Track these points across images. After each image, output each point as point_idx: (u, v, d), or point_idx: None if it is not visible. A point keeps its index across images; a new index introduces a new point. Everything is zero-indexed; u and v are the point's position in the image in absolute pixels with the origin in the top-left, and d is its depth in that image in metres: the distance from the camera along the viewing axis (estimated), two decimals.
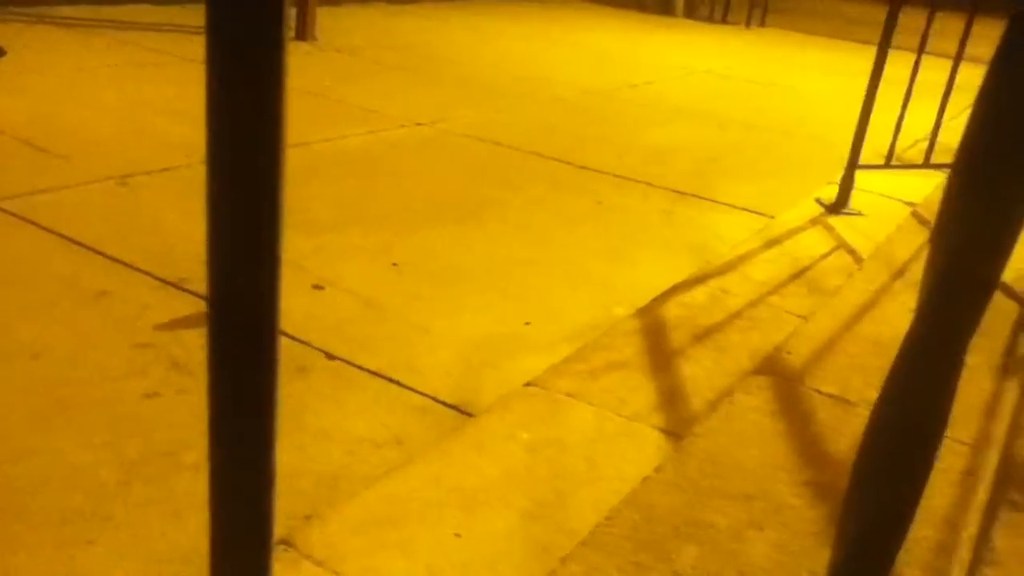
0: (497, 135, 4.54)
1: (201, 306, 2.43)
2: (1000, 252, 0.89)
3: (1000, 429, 2.03)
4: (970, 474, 1.87)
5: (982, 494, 1.78)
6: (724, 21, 11.08)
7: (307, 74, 5.36)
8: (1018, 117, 0.84)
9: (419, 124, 4.62)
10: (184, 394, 2.04)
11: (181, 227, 2.95)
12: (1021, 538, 1.47)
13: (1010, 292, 2.83)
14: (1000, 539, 1.46)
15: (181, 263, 2.67)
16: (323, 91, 4.99)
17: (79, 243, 2.74)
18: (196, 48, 5.71)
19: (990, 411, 2.13)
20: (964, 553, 1.60)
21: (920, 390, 0.94)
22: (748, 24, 10.79)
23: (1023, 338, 2.56)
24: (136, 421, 1.93)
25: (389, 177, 3.76)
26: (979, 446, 1.97)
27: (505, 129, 4.68)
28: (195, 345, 2.24)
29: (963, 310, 0.90)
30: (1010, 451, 1.75)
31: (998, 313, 2.62)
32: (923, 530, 1.45)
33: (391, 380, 2.20)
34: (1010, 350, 2.47)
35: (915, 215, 3.75)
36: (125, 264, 2.64)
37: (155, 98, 4.51)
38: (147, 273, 2.60)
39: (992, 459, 1.91)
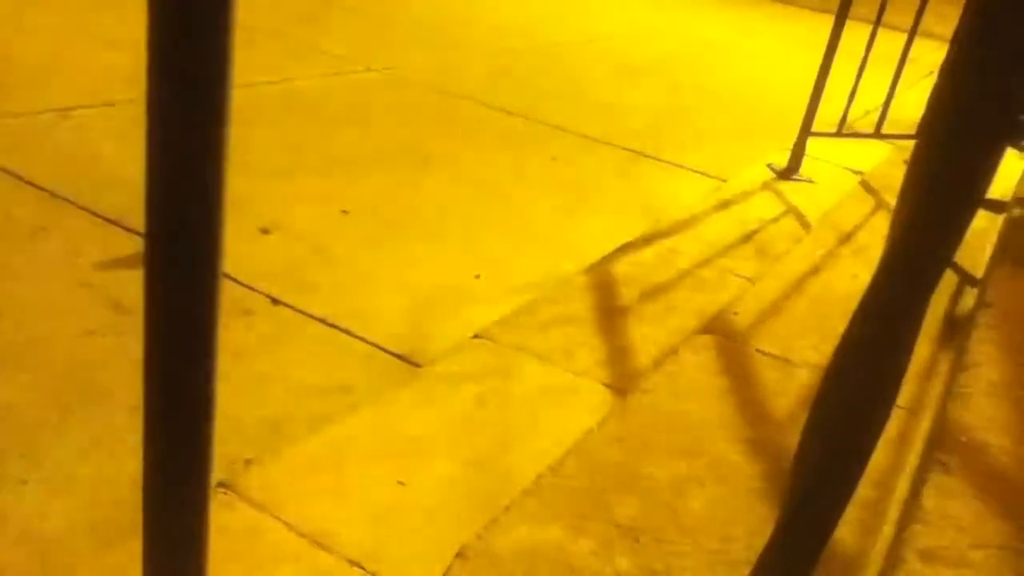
0: (452, 84, 4.48)
1: (141, 245, 2.37)
2: (958, 224, 0.90)
3: (934, 394, 2.09)
4: (904, 437, 1.92)
5: (914, 456, 1.83)
6: None
7: (261, 12, 5.21)
8: (979, 93, 0.85)
9: (373, 69, 4.53)
10: (123, 335, 1.99)
11: (124, 162, 2.86)
12: (948, 498, 1.51)
13: (950, 263, 2.90)
14: (929, 499, 1.50)
15: (123, 199, 2.59)
16: (276, 30, 4.86)
17: (17, 176, 2.65)
18: None
19: (926, 376, 2.18)
20: (895, 512, 1.64)
21: (875, 353, 0.95)
22: None
23: (960, 307, 2.63)
24: (73, 361, 1.88)
25: (340, 122, 3.69)
26: (914, 410, 2.03)
27: (459, 79, 4.61)
28: (136, 284, 2.17)
29: (920, 278, 0.92)
30: (943, 415, 1.80)
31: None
32: (857, 489, 1.48)
33: (337, 327, 2.18)
34: (948, 318, 2.54)
35: (863, 184, 3.80)
36: (65, 199, 2.56)
37: (99, 28, 4.35)
38: (88, 210, 2.53)
39: (925, 423, 1.96)
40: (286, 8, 5.57)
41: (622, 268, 2.70)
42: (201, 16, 0.56)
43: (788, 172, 3.82)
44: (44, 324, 1.99)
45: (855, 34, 3.52)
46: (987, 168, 0.87)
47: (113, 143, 3.02)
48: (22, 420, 1.68)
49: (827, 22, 3.60)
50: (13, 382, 1.78)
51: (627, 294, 2.53)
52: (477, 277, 2.57)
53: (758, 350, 2.22)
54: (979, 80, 0.84)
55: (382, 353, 2.11)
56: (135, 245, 2.37)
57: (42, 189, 2.60)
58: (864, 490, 1.70)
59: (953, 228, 0.89)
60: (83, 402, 1.76)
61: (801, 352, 2.22)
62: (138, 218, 2.64)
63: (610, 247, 2.85)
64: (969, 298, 2.67)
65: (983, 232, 3.23)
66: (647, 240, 2.94)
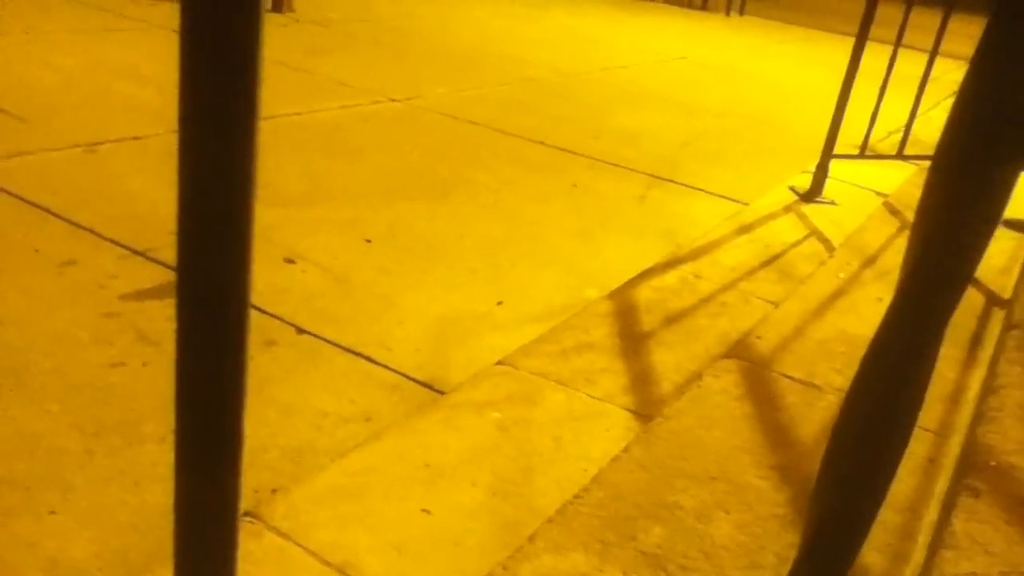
0: (471, 113, 4.51)
1: (169, 276, 2.40)
2: (976, 245, 0.89)
3: (963, 417, 2.06)
4: (932, 461, 1.90)
5: (943, 480, 1.80)
6: (704, 8, 11.08)
7: (281, 46, 5.30)
8: (995, 113, 0.84)
9: (392, 100, 4.58)
10: (149, 365, 2.01)
11: (150, 196, 2.90)
12: (978, 522, 1.49)
13: (977, 284, 2.87)
14: (959, 523, 1.48)
15: (149, 232, 2.63)
16: (296, 63, 4.93)
17: (46, 209, 2.69)
18: (161, 13, 5.62)
19: (954, 399, 2.16)
20: (924, 537, 1.62)
21: (895, 376, 0.94)
22: (728, 12, 10.81)
23: (988, 329, 2.60)
24: (100, 391, 1.90)
25: (361, 152, 3.73)
26: (942, 433, 2.00)
27: (479, 107, 4.65)
28: (162, 316, 2.21)
29: (938, 300, 0.91)
30: (971, 439, 1.77)
31: (964, 304, 2.66)
32: (885, 514, 1.46)
33: (361, 355, 2.19)
34: (975, 340, 2.51)
35: (887, 205, 3.78)
36: (92, 232, 2.60)
37: (122, 65, 4.43)
38: (114, 242, 2.56)
39: (954, 446, 1.93)
40: (306, 42, 5.66)
41: (644, 293, 2.69)
42: (231, 54, 0.57)
43: (811, 194, 3.81)
44: (72, 355, 2.01)
45: (875, 55, 3.52)
46: (1002, 188, 0.87)
47: (139, 177, 3.07)
48: (50, 450, 1.70)
49: (846, 44, 3.61)
50: (41, 412, 1.80)
51: (649, 319, 2.53)
52: (499, 304, 2.57)
53: (782, 374, 2.20)
54: (993, 99, 0.84)
55: (405, 380, 2.12)
56: (162, 276, 2.40)
57: (70, 222, 2.64)
58: (893, 515, 1.68)
59: (969, 248, 0.89)
60: (110, 432, 1.78)
61: (826, 376, 2.21)
62: (164, 250, 2.67)
63: (632, 272, 2.85)
64: (997, 319, 2.64)
65: (1011, 253, 3.20)
66: (669, 265, 2.94)
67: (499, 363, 2.21)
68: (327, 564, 1.46)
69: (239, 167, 0.62)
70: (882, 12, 3.44)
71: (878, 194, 3.97)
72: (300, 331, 2.25)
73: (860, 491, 1.00)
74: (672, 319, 2.54)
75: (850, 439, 1.00)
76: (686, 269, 2.91)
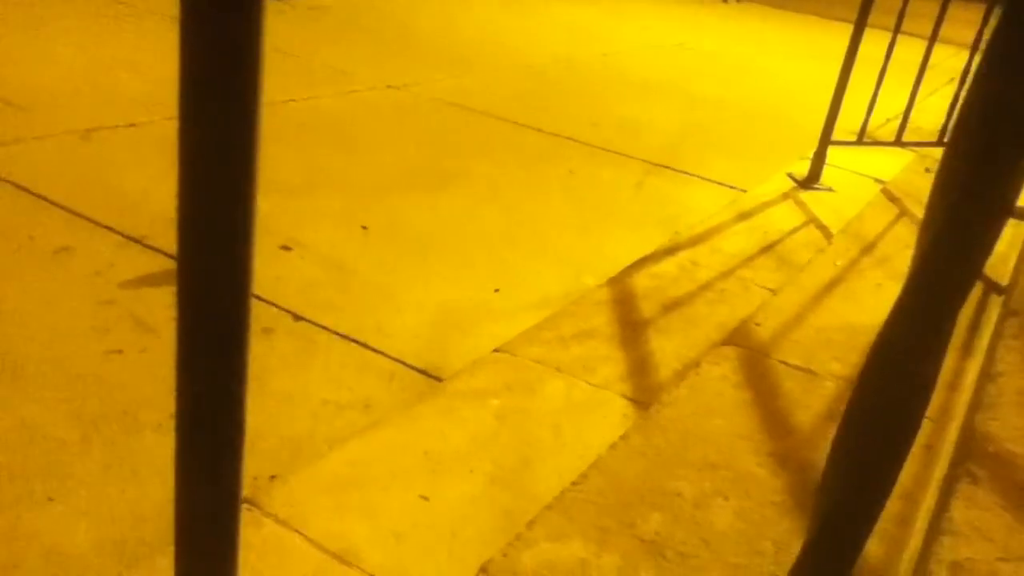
0: (469, 101, 4.50)
1: (165, 263, 2.39)
2: (988, 235, 0.89)
3: (961, 404, 2.06)
4: (930, 447, 1.90)
5: (941, 467, 1.81)
6: None
7: (277, 32, 5.27)
8: (1008, 102, 0.84)
9: (391, 87, 4.56)
10: (147, 353, 2.00)
11: (145, 183, 2.89)
12: (977, 509, 1.49)
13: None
14: (957, 510, 1.48)
15: (145, 219, 2.62)
16: (292, 49, 4.91)
17: (40, 196, 2.68)
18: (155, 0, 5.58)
19: (952, 387, 2.16)
20: (923, 524, 1.62)
21: (904, 368, 0.94)
22: None
23: (985, 316, 2.60)
24: (97, 380, 1.90)
25: (359, 140, 3.71)
26: (940, 421, 2.00)
27: (477, 95, 4.63)
28: (159, 303, 2.21)
29: (949, 291, 0.91)
30: (970, 426, 1.77)
31: None
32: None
33: (358, 343, 2.19)
34: (972, 327, 2.51)
35: (885, 192, 3.78)
36: (88, 219, 2.59)
37: (116, 52, 4.40)
38: (111, 229, 2.55)
39: (952, 433, 1.94)
40: (303, 29, 5.63)
41: (642, 281, 2.69)
42: (233, 41, 0.57)
43: (809, 181, 3.80)
44: (69, 343, 2.01)
45: (874, 41, 3.50)
46: (1017, 177, 0.86)
47: (134, 163, 3.06)
48: (47, 439, 1.70)
49: (843, 31, 3.59)
50: (38, 401, 1.80)
51: (648, 307, 2.52)
52: (496, 291, 2.57)
53: (781, 361, 2.20)
54: (1008, 88, 0.83)
55: (403, 368, 2.12)
56: (159, 263, 2.39)
57: (65, 209, 2.63)
58: (891, 502, 1.68)
59: (983, 237, 0.88)
60: (107, 420, 1.77)
61: (824, 363, 2.21)
62: (161, 237, 2.65)
63: (630, 260, 2.84)
64: (995, 307, 2.64)
65: (1009, 240, 3.20)
66: (667, 252, 2.94)
67: (497, 351, 2.20)
68: (325, 551, 1.46)
69: (240, 155, 0.61)
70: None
71: (876, 181, 3.96)
72: (297, 318, 2.25)
73: (868, 483, 1.00)
74: (670, 306, 2.54)
75: (858, 431, 1.00)
76: (684, 256, 2.91)
